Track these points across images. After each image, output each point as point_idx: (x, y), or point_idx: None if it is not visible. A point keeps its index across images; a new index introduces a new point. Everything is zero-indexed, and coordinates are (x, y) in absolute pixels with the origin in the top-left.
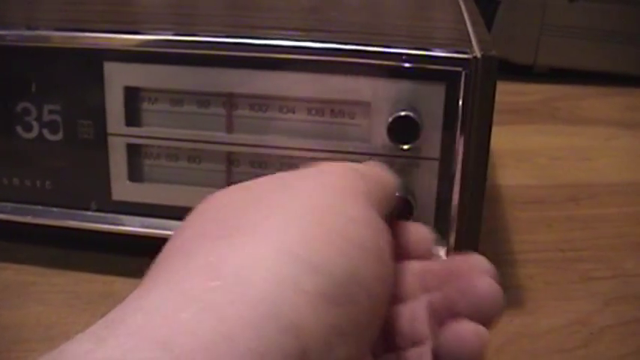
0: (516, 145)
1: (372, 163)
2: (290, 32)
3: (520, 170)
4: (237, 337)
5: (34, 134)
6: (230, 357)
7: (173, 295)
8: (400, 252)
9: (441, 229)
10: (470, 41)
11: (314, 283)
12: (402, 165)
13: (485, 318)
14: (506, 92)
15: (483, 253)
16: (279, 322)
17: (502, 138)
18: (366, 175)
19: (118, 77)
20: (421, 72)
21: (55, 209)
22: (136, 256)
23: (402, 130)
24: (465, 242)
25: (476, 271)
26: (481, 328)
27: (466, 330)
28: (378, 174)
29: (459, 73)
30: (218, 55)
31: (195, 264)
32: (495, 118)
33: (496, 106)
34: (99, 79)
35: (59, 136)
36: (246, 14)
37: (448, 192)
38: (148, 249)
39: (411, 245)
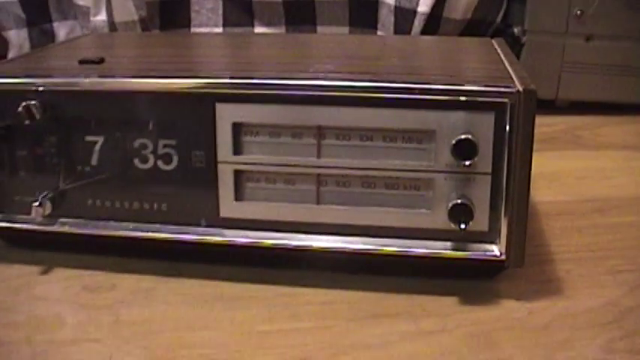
0: (546, 169)
1: None
2: (365, 75)
3: (551, 189)
4: None
5: (150, 165)
6: None
7: None
8: None
9: (494, 230)
10: (512, 78)
11: None
12: (461, 178)
13: None
14: None
15: (528, 254)
16: None
17: (533, 163)
18: None
19: (227, 115)
20: (475, 104)
21: (170, 226)
22: (240, 265)
23: (464, 149)
24: (514, 242)
25: None
26: None
27: None
28: None
29: (505, 104)
30: (310, 95)
31: None
32: None
33: None
34: (211, 117)
35: (173, 166)
36: (325, 62)
37: (499, 199)
38: (251, 258)
39: None
